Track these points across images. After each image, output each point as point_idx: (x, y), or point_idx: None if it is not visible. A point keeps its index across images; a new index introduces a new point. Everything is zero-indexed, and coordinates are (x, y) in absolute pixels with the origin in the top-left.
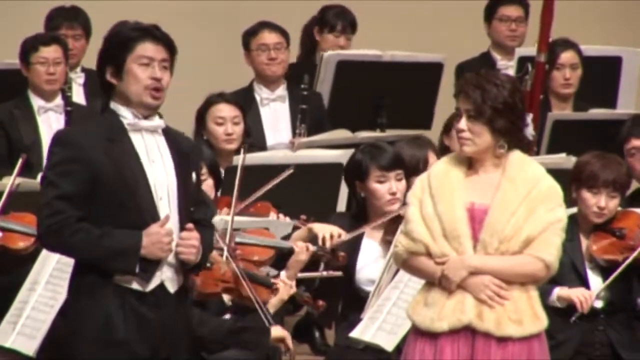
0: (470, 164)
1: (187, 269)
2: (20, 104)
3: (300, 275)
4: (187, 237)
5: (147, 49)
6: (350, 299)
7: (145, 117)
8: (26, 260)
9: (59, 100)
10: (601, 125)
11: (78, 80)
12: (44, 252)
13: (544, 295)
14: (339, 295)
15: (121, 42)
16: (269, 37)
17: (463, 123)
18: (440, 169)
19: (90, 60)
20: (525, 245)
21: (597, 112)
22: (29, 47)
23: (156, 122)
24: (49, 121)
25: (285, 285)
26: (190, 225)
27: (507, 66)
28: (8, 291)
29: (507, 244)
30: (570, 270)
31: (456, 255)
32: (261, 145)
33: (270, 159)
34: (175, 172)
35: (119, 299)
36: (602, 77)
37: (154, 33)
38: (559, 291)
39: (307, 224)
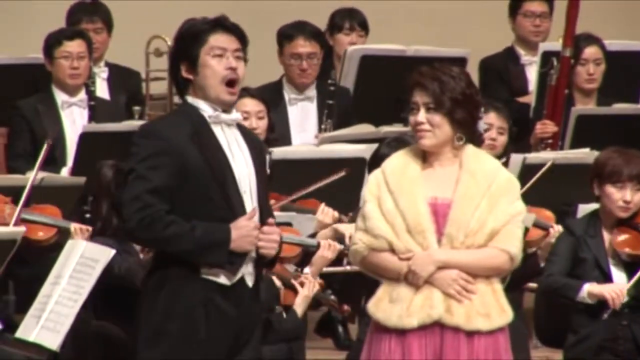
0: (424, 158)
1: (263, 263)
2: (44, 99)
3: (323, 269)
4: (269, 231)
5: (219, 39)
6: (373, 294)
7: (224, 111)
8: (47, 251)
9: (82, 95)
10: (625, 120)
11: (102, 74)
12: (68, 245)
13: (573, 291)
14: (362, 290)
15: (193, 36)
16: (303, 47)
17: (422, 116)
18: (396, 164)
19: (114, 55)
20: (489, 238)
21: (620, 107)
22: (52, 42)
23: (234, 115)
24: (73, 116)
25: (310, 282)
26: (271, 220)
27: (531, 61)
28: (31, 284)
29: (473, 237)
30: (594, 267)
31: (421, 250)
32: (286, 144)
33: (294, 153)
34: (254, 166)
35: (203, 295)
36: (625, 72)
37: (224, 23)
38: (589, 287)
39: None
